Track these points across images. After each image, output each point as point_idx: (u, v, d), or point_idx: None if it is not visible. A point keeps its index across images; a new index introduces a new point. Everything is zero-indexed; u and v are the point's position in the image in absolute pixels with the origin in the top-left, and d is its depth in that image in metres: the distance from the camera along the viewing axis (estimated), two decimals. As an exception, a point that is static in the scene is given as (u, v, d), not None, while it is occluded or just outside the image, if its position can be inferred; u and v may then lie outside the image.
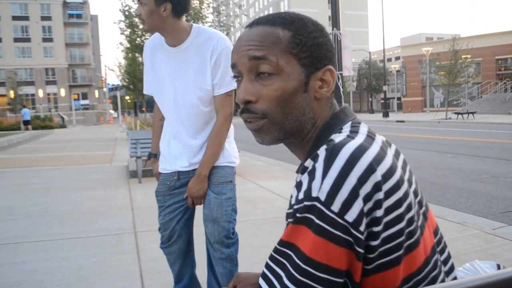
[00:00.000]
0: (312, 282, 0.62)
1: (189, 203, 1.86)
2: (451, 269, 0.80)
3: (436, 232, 0.79)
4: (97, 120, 47.19)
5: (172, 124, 1.89)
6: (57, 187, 6.05)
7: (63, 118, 35.78)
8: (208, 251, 1.96)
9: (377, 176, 0.64)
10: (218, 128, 1.81)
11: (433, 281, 0.71)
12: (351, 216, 0.62)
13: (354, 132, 0.73)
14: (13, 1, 51.12)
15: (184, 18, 1.81)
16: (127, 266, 2.89)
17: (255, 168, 7.40)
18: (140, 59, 14.78)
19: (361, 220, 0.62)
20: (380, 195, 0.64)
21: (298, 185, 0.67)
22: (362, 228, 0.63)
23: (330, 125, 0.77)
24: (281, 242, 0.66)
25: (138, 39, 13.03)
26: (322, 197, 0.62)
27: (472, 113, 24.36)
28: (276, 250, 0.67)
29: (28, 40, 51.92)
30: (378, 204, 0.64)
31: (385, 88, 34.06)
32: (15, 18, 51.39)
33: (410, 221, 0.68)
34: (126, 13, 12.84)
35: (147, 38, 5.82)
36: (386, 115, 30.76)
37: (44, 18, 52.47)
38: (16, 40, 51.59)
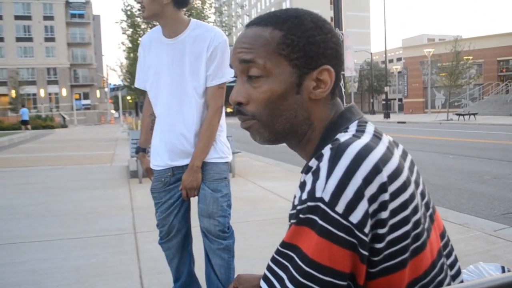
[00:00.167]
0: (315, 285, 0.60)
1: (184, 195, 1.88)
2: (458, 272, 0.78)
3: (443, 235, 0.77)
4: (98, 120, 47.27)
5: (166, 116, 1.89)
6: (58, 186, 6.04)
7: (64, 118, 35.86)
8: (205, 244, 1.97)
9: (383, 176, 0.62)
10: (209, 120, 1.84)
11: (439, 285, 0.70)
12: (355, 217, 0.60)
13: (360, 131, 0.71)
14: (15, 1, 51.24)
15: (183, 11, 1.85)
16: (127, 266, 2.87)
17: (255, 168, 7.39)
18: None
19: (365, 221, 0.61)
20: (385, 196, 0.62)
21: (302, 185, 0.66)
22: (366, 230, 0.61)
23: (336, 124, 0.75)
24: (284, 244, 0.65)
25: (140, 38, 13.03)
26: (326, 198, 0.61)
27: (474, 114, 24.33)
28: (278, 252, 0.65)
29: (30, 39, 52.02)
30: (383, 206, 0.62)
31: (386, 89, 34.04)
32: (17, 17, 51.51)
33: (417, 224, 0.66)
34: (128, 12, 12.86)
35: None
36: (387, 116, 30.74)
37: (46, 17, 52.57)
38: (18, 39, 51.69)
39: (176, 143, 1.87)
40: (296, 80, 0.73)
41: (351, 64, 6.20)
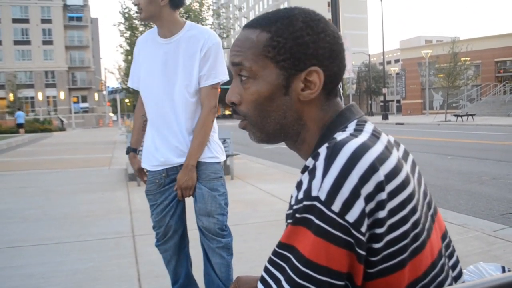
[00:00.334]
0: (312, 285, 0.60)
1: (179, 195, 1.88)
2: (460, 274, 0.77)
3: (444, 236, 0.76)
4: (97, 123, 47.24)
5: (158, 115, 1.90)
6: (56, 190, 6.02)
7: (62, 121, 35.80)
8: (203, 244, 1.96)
9: (379, 175, 0.62)
10: (204, 119, 1.86)
11: (440, 285, 0.69)
12: (352, 216, 0.60)
13: (358, 130, 0.71)
14: (13, 4, 51.26)
15: (178, 12, 1.88)
16: (125, 270, 2.86)
17: (254, 170, 7.38)
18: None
19: (362, 220, 0.60)
20: (383, 195, 0.62)
21: (299, 185, 0.65)
22: (363, 229, 0.60)
23: (335, 123, 0.74)
24: (280, 245, 0.64)
25: (138, 41, 13.01)
26: (322, 197, 0.60)
27: (472, 115, 24.38)
28: (275, 253, 0.65)
29: (28, 42, 52.02)
30: (381, 205, 0.61)
31: (384, 90, 34.10)
32: (15, 20, 51.53)
33: (416, 224, 0.65)
34: (126, 15, 12.84)
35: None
36: (385, 117, 30.80)
37: (44, 20, 52.60)
38: (16, 42, 51.69)
39: (169, 140, 1.88)
40: (284, 82, 0.73)
41: (349, 65, 6.22)
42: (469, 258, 2.76)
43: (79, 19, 55.75)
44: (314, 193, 0.61)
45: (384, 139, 0.71)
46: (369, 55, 48.49)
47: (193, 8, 11.54)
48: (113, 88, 55.39)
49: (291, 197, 0.67)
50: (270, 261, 0.65)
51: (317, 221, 0.60)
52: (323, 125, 0.75)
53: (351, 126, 0.72)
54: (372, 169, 0.62)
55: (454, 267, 0.76)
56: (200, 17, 11.74)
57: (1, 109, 47.14)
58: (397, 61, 59.04)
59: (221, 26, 13.24)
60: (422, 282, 0.66)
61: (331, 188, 0.60)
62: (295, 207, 0.64)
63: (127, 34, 13.26)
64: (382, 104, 37.52)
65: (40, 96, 51.20)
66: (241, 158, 8.62)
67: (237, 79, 0.77)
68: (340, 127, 0.73)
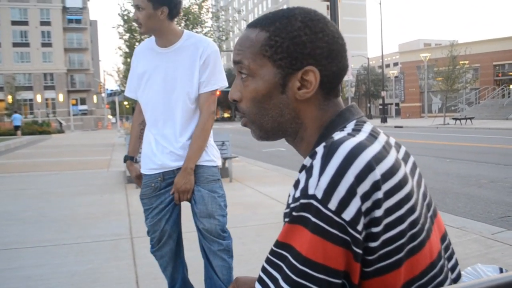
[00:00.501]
0: (310, 283, 0.60)
1: (176, 198, 1.89)
2: (458, 276, 0.78)
3: (444, 238, 0.77)
4: (95, 125, 47.20)
5: (157, 121, 1.91)
6: (54, 192, 6.01)
7: (61, 123, 35.77)
8: (203, 247, 1.96)
9: (375, 175, 0.62)
10: (203, 124, 1.89)
11: (439, 286, 0.69)
12: (348, 214, 0.60)
13: (356, 130, 0.71)
14: (12, 6, 51.27)
15: (175, 21, 1.92)
16: (123, 272, 2.85)
17: (253, 173, 7.38)
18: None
19: (358, 219, 0.61)
20: (379, 194, 0.62)
21: (296, 183, 0.66)
22: (359, 227, 0.61)
23: (334, 123, 0.75)
24: (277, 243, 0.65)
25: (137, 43, 13.03)
26: (319, 195, 0.61)
27: (470, 118, 24.42)
28: (272, 252, 0.65)
29: (27, 45, 52.00)
30: (377, 204, 0.62)
31: (383, 93, 34.17)
32: (14, 23, 51.51)
33: (413, 224, 0.66)
34: (125, 17, 12.85)
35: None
36: (384, 120, 30.84)
37: (43, 23, 52.60)
38: (15, 45, 51.66)
39: (166, 145, 1.89)
40: (281, 80, 0.74)
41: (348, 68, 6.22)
42: (467, 261, 2.76)
43: (78, 21, 55.74)
44: (310, 191, 0.61)
45: (382, 139, 0.71)
46: (368, 58, 48.54)
47: (192, 10, 11.54)
48: (112, 90, 55.25)
49: (289, 196, 0.67)
50: (268, 260, 0.65)
51: (313, 219, 0.60)
52: (322, 124, 0.76)
53: (350, 126, 0.73)
54: (369, 168, 0.62)
55: (453, 269, 0.77)
56: (199, 19, 11.74)
57: (-1, 112, 47.11)
58: (396, 64, 59.19)
59: (220, 29, 13.25)
60: (419, 281, 0.67)
61: (328, 186, 0.61)
62: (292, 205, 0.64)
63: (126, 36, 13.26)
64: (381, 107, 37.59)
65: (39, 98, 51.15)
66: (240, 161, 8.62)
67: (238, 77, 0.79)
68: (339, 127, 0.74)
